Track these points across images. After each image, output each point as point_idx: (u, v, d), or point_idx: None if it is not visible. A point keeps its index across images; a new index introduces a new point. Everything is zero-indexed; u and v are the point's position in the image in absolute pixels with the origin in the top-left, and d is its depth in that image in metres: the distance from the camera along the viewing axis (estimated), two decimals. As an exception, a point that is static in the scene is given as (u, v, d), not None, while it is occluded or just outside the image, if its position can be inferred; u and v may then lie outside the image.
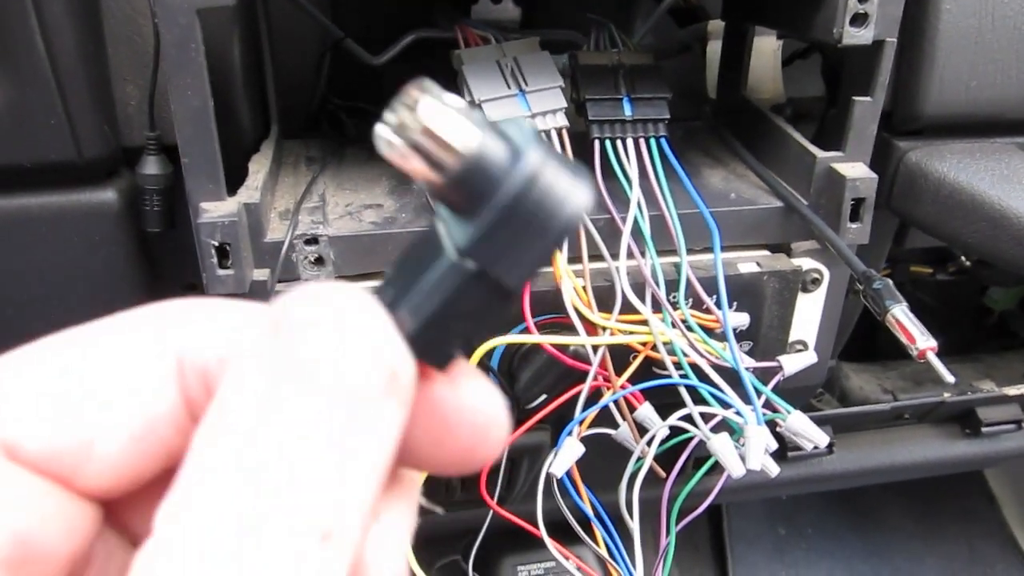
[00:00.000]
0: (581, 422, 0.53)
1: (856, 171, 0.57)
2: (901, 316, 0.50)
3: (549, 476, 0.52)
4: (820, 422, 0.92)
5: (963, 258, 1.08)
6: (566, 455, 0.52)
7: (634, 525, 0.55)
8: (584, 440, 0.59)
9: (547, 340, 0.51)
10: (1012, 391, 0.98)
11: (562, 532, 0.59)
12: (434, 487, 0.63)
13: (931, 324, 1.17)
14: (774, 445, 0.52)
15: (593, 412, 0.53)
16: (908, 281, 1.07)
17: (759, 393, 0.51)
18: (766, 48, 0.70)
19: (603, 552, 0.58)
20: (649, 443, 0.54)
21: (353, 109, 0.70)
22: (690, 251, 0.55)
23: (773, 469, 0.53)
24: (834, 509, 1.60)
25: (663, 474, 0.56)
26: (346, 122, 0.69)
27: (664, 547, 0.58)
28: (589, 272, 0.53)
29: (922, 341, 0.49)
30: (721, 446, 0.49)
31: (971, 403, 0.98)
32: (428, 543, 0.65)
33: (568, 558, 0.58)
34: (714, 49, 0.73)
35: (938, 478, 1.63)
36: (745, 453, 0.49)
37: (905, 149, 0.65)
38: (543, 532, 0.56)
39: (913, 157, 0.64)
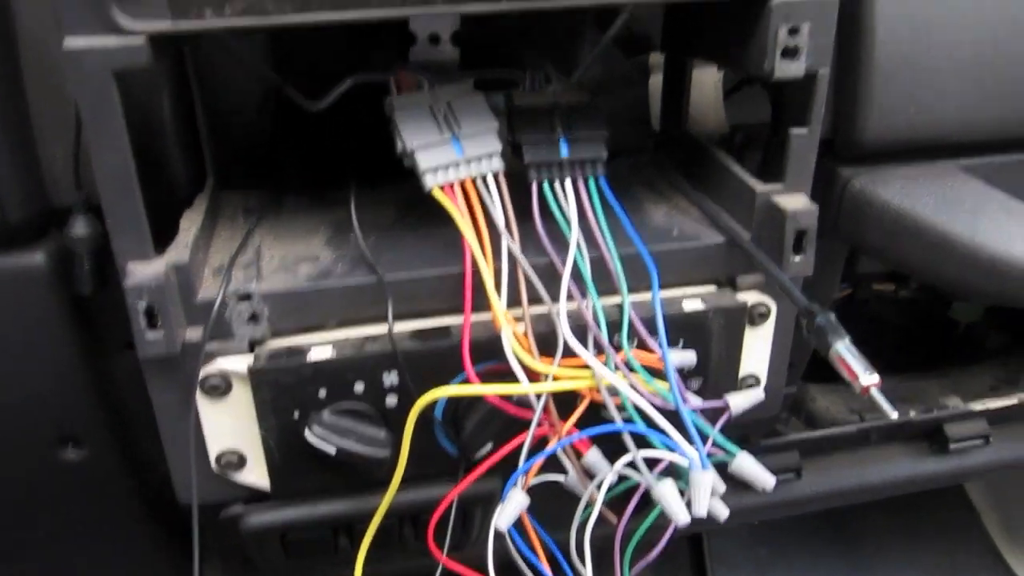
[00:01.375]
0: (526, 472, 0.52)
1: (796, 203, 0.56)
2: (844, 352, 0.50)
3: (495, 530, 0.51)
4: (786, 447, 0.91)
5: (925, 274, 1.08)
6: (511, 507, 0.51)
7: (586, 572, 0.54)
8: (537, 486, 0.57)
9: (488, 391, 0.50)
10: (978, 406, 0.97)
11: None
12: (387, 537, 0.62)
13: (896, 341, 1.18)
14: (722, 488, 0.51)
15: (538, 461, 0.51)
16: (872, 299, 1.07)
17: (704, 435, 0.50)
18: (707, 80, 0.70)
19: None
20: (599, 487, 0.53)
21: (296, 157, 0.69)
22: (633, 290, 0.54)
23: (722, 513, 0.52)
24: (815, 528, 1.59)
25: (614, 519, 0.55)
26: (288, 170, 0.68)
27: None
28: (530, 317, 0.52)
29: (865, 378, 0.48)
30: (665, 492, 0.48)
31: (938, 420, 0.97)
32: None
33: None
34: (656, 82, 0.72)
35: (919, 494, 1.63)
36: (691, 499, 0.48)
37: (849, 176, 0.65)
38: None
39: (857, 184, 0.64)
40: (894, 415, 0.48)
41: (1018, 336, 1.22)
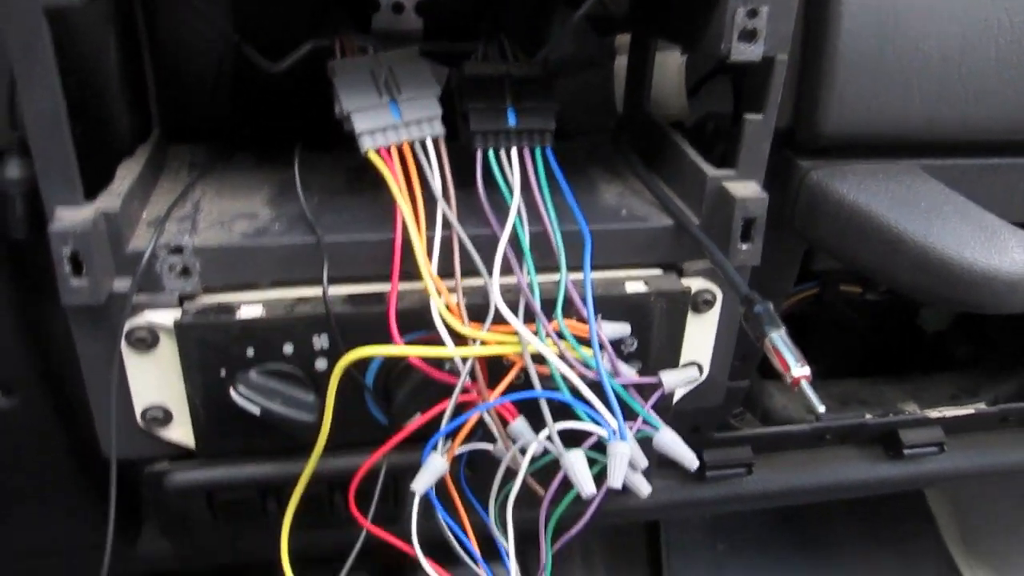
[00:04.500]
0: (449, 436, 0.51)
1: (747, 190, 0.55)
2: (778, 342, 0.49)
3: (412, 494, 0.51)
4: (738, 442, 0.91)
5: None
6: (429, 472, 0.50)
7: (507, 544, 0.53)
8: (474, 459, 0.57)
9: (412, 352, 0.49)
10: (934, 414, 0.97)
11: (447, 551, 0.57)
12: (316, 504, 0.61)
13: (859, 344, 1.17)
14: (643, 463, 0.50)
15: (462, 424, 0.51)
16: (839, 300, 1.07)
17: (628, 408, 0.50)
18: (671, 64, 0.69)
19: (480, 573, 0.56)
20: (521, 452, 0.52)
21: (248, 115, 0.68)
22: (572, 269, 0.53)
23: (643, 488, 0.51)
24: (774, 527, 1.59)
25: (541, 492, 0.54)
26: (239, 128, 0.67)
27: (542, 566, 0.56)
28: (461, 285, 0.51)
29: (796, 369, 0.48)
30: (573, 462, 0.47)
31: (893, 425, 0.97)
32: (314, 563, 0.63)
33: None
34: (622, 63, 0.71)
35: (878, 497, 1.63)
36: (608, 470, 0.47)
37: (807, 168, 0.64)
38: (417, 551, 0.54)
39: (814, 177, 0.63)
40: (821, 408, 0.47)
41: (983, 348, 1.21)
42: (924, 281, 0.60)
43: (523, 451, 0.50)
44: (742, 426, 0.94)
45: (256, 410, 0.51)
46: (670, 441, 0.51)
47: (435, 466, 0.50)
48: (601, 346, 0.50)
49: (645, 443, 0.52)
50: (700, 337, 0.60)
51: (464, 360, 0.50)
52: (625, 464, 0.46)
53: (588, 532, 0.57)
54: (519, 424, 0.52)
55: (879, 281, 0.63)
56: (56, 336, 0.61)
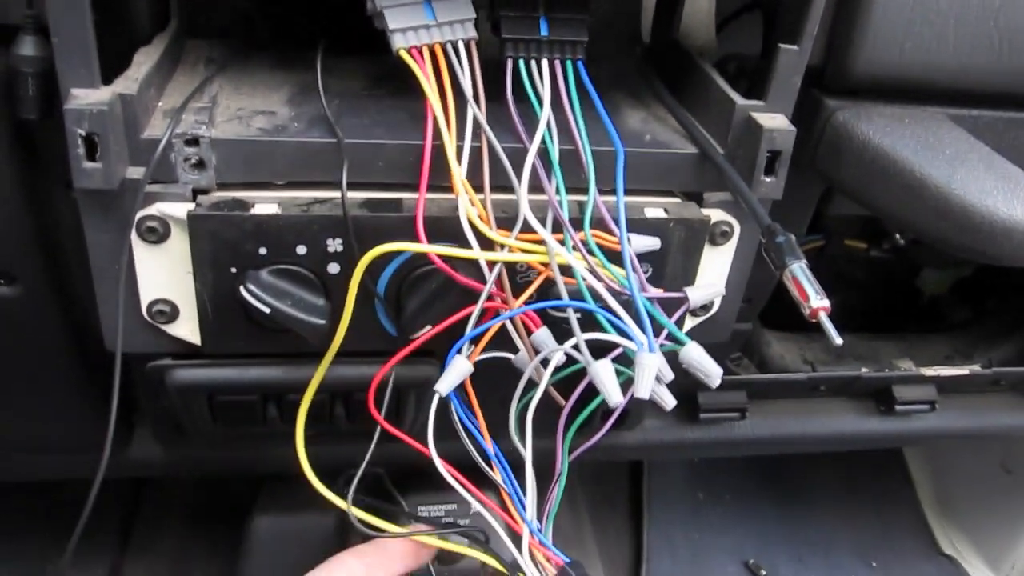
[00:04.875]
0: (474, 340, 0.50)
1: (775, 122, 0.54)
2: (799, 273, 0.48)
3: (442, 401, 0.50)
4: (735, 386, 0.91)
5: (898, 236, 1.07)
6: (453, 373, 0.50)
7: (526, 452, 0.53)
8: (489, 368, 0.55)
9: (439, 250, 0.48)
10: (929, 372, 0.98)
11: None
12: (318, 412, 0.61)
13: (859, 299, 1.17)
14: (670, 375, 0.49)
15: (486, 331, 0.50)
16: (842, 255, 1.06)
17: (655, 321, 0.49)
18: (703, -7, 0.67)
19: (498, 479, 0.55)
20: (543, 364, 0.51)
21: (271, 14, 0.66)
22: (600, 191, 0.52)
23: (668, 401, 0.50)
24: (754, 478, 1.61)
25: (562, 401, 0.53)
26: (260, 26, 0.65)
27: (557, 475, 0.55)
28: (490, 189, 0.50)
29: (815, 300, 0.47)
30: (600, 371, 0.47)
31: (888, 380, 0.97)
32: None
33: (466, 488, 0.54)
34: (652, -11, 0.70)
35: (859, 457, 1.65)
36: (636, 380, 0.46)
37: (834, 108, 0.63)
38: (433, 451, 0.51)
39: (840, 117, 0.62)
40: (839, 341, 0.46)
41: (979, 313, 1.22)
42: (943, 228, 0.60)
43: (546, 363, 0.49)
44: (739, 371, 0.94)
45: (266, 310, 0.51)
46: (697, 356, 0.49)
47: (460, 367, 0.50)
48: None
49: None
50: (713, 270, 0.59)
51: (492, 267, 0.49)
52: (653, 375, 0.46)
53: (573, 475, 0.56)
54: (542, 334, 0.51)
55: (897, 227, 0.62)
56: (63, 225, 0.60)
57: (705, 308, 0.61)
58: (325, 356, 0.53)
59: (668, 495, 1.55)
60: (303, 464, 0.53)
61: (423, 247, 0.48)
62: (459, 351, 0.50)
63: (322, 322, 0.52)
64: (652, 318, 0.48)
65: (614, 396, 0.46)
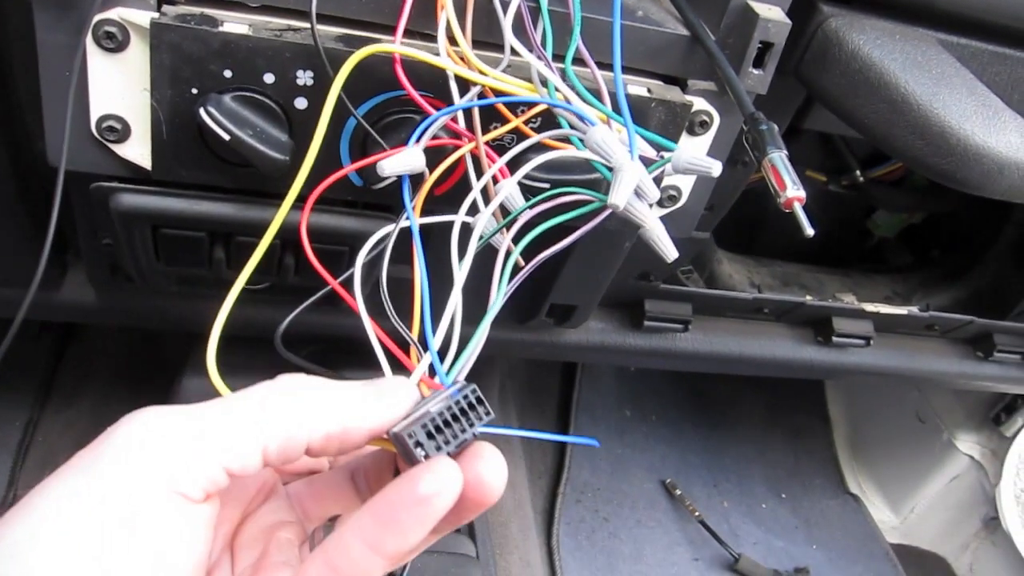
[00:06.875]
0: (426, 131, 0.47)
1: (771, 13, 0.53)
2: (778, 162, 0.48)
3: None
4: (681, 297, 0.91)
5: (858, 173, 1.08)
6: (403, 157, 0.46)
7: (459, 273, 0.44)
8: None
9: (421, 56, 0.45)
10: (870, 307, 0.99)
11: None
12: (267, 261, 0.58)
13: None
14: (654, 193, 0.46)
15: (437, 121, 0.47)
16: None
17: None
18: None
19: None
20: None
21: None
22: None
23: (648, 218, 0.47)
24: (681, 402, 1.65)
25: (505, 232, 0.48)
26: None
27: (491, 303, 0.49)
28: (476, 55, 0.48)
29: (792, 190, 0.47)
30: (599, 136, 0.45)
31: (829, 311, 0.99)
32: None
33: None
34: None
35: (782, 390, 1.70)
36: (612, 189, 0.43)
37: (828, 15, 0.62)
38: (360, 304, 0.43)
39: (833, 23, 0.61)
40: (810, 231, 0.46)
41: (921, 261, 1.24)
42: (918, 146, 0.59)
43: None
44: (689, 284, 0.95)
45: (225, 136, 0.48)
46: (692, 152, 0.47)
47: (411, 155, 0.46)
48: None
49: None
50: (687, 161, 0.58)
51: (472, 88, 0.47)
52: (633, 183, 0.43)
53: (504, 379, 0.53)
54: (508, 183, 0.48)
55: (872, 140, 0.62)
56: (10, 20, 0.55)
57: (673, 199, 0.60)
58: (287, 196, 0.50)
59: (596, 409, 1.57)
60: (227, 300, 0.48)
61: (405, 50, 0.45)
62: (418, 140, 0.47)
63: (284, 158, 0.49)
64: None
65: (619, 155, 0.44)
